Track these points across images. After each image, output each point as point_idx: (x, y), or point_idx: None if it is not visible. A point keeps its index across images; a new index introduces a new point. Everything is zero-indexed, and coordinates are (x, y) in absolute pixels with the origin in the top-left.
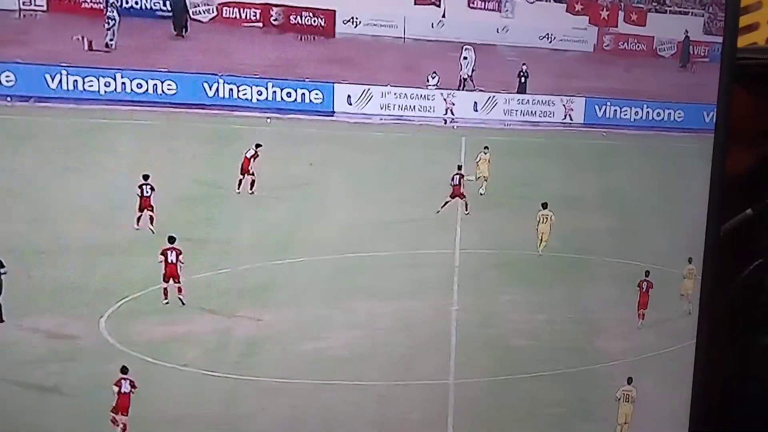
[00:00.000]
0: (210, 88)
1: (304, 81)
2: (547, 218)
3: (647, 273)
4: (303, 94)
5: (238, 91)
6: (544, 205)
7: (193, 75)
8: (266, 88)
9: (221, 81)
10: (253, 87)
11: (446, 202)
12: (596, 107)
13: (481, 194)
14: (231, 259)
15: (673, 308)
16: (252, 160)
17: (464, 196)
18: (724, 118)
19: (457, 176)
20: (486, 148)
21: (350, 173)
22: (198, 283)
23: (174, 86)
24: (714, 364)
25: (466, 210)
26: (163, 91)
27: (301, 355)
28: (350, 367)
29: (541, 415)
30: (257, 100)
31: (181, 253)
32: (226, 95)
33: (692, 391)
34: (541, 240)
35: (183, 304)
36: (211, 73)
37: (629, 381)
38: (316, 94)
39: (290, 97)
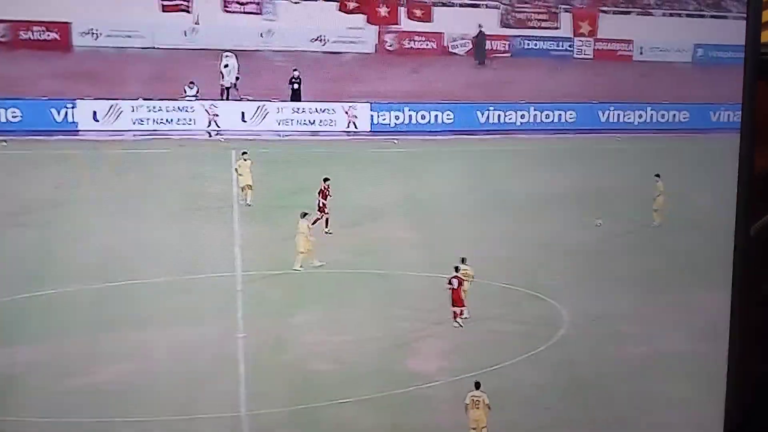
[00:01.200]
0: None
1: (43, 99)
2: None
3: (457, 269)
4: (43, 111)
5: None
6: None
7: None
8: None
9: None
10: None
11: (316, 219)
12: (382, 113)
13: (248, 205)
14: None
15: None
16: None
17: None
18: (750, 115)
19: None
20: (244, 153)
21: (104, 193)
22: None
23: None
24: (747, 364)
25: (326, 227)
26: None
27: (68, 392)
28: (124, 402)
29: None
30: None
31: None
32: None
33: (726, 393)
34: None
35: None
36: None
37: (477, 386)
38: (56, 111)
39: (25, 116)
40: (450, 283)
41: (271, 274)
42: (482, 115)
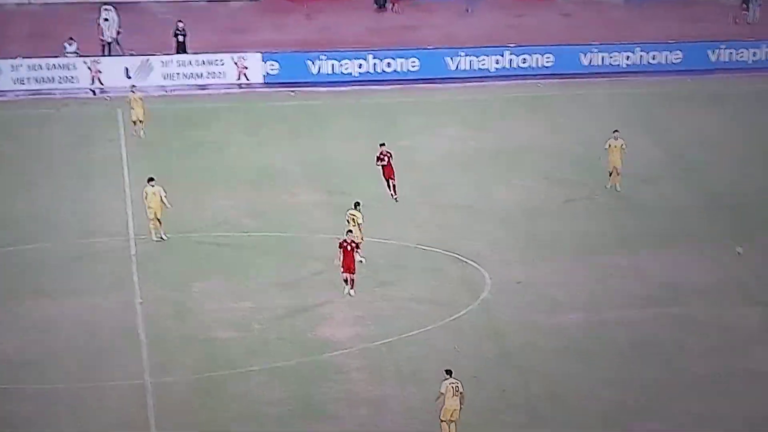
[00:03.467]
0: None
1: None
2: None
3: (349, 231)
4: None
5: None
6: None
7: None
8: None
9: None
10: None
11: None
12: (274, 63)
13: (140, 138)
14: None
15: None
16: None
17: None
18: None
19: None
20: (134, 85)
21: None
22: None
23: None
24: None
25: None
26: None
27: None
28: (29, 372)
29: (262, 414)
30: None
31: None
32: None
33: None
34: None
35: None
36: None
37: (449, 373)
38: None
39: None
40: (341, 247)
41: (168, 238)
42: (389, 63)
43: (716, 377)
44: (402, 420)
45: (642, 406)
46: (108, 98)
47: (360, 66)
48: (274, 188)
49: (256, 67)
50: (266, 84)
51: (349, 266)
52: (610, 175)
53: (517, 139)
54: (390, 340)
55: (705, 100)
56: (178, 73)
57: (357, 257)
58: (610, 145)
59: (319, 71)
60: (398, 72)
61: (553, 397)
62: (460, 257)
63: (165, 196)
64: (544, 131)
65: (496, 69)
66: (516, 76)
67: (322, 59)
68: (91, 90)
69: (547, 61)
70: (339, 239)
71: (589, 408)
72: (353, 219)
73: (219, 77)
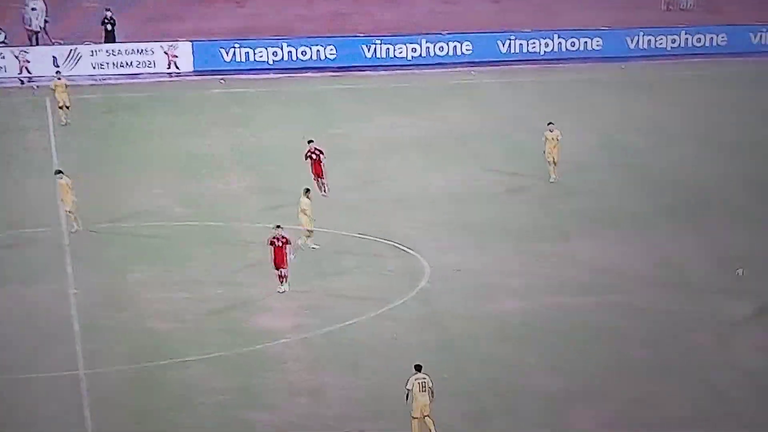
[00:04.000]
0: None
1: None
2: None
3: (278, 226)
4: None
5: None
6: None
7: None
8: None
9: None
10: None
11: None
12: (205, 52)
13: (64, 125)
14: None
15: None
16: None
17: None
18: None
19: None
20: (58, 72)
21: None
22: None
23: None
24: None
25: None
26: None
27: None
28: None
29: (200, 404)
30: None
31: None
32: None
33: None
34: None
35: None
36: None
37: (418, 368)
38: None
39: None
40: (272, 243)
41: (101, 228)
42: (323, 50)
43: (655, 362)
44: (341, 409)
45: (582, 391)
46: (36, 87)
47: (290, 54)
48: (207, 176)
49: (186, 56)
50: (196, 72)
51: (280, 263)
52: (549, 165)
53: (451, 127)
54: (329, 329)
55: (635, 85)
56: (107, 63)
57: (289, 253)
58: (546, 138)
59: (249, 59)
60: (325, 60)
61: (493, 384)
62: (398, 245)
63: (71, 189)
64: (477, 118)
65: (413, 57)
66: (442, 64)
67: (252, 47)
68: (19, 79)
69: (466, 49)
70: (272, 231)
71: (529, 394)
72: (303, 207)
73: (149, 66)
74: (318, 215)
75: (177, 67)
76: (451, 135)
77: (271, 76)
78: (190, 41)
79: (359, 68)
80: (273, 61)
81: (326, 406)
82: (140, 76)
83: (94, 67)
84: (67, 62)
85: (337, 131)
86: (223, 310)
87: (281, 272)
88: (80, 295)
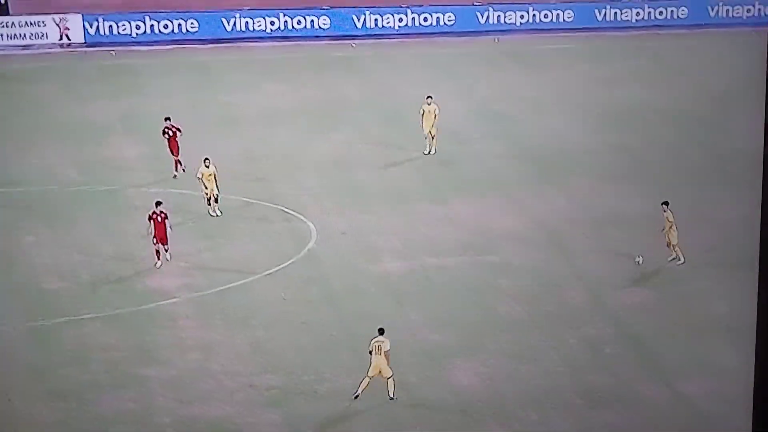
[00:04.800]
0: None
1: None
2: None
3: (158, 203)
4: None
5: None
6: None
7: None
8: None
9: None
10: None
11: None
12: (96, 24)
13: None
14: None
15: None
16: None
17: None
18: None
19: None
20: None
21: None
22: None
23: None
24: None
25: None
26: None
27: None
28: None
29: (93, 360)
30: None
31: None
32: None
33: (754, 393)
34: None
35: None
36: None
37: (380, 332)
38: None
39: None
40: (152, 219)
41: None
42: (210, 23)
43: (530, 318)
44: (231, 364)
45: (461, 346)
46: None
47: (179, 26)
48: (98, 144)
49: (78, 28)
50: (87, 44)
51: (161, 237)
52: (426, 139)
53: (332, 96)
54: (218, 289)
55: (511, 59)
56: (1, 34)
57: (168, 227)
58: (424, 111)
59: (139, 31)
60: (214, 31)
61: None
62: (285, 209)
63: None
64: (357, 89)
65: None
66: (323, 37)
67: (143, 19)
68: None
69: (323, 23)
70: (161, 192)
71: (411, 348)
72: (205, 175)
73: (41, 38)
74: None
75: (69, 39)
76: (333, 104)
77: (162, 48)
78: (81, 14)
79: (248, 39)
80: (161, 32)
81: (216, 361)
82: (32, 47)
83: None
84: None
85: (225, 99)
86: (115, 271)
87: (162, 248)
88: None
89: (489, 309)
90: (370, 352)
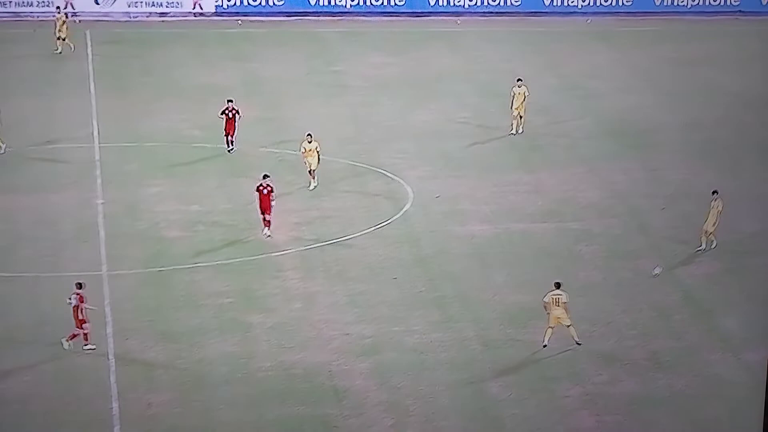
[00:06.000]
0: None
1: None
2: None
3: (265, 176)
4: None
5: None
6: None
7: None
8: None
9: None
10: None
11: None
12: None
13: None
14: None
15: None
16: None
17: None
18: None
19: None
20: (58, 8)
21: None
22: None
23: None
24: None
25: None
26: None
27: None
28: None
29: (204, 305)
30: None
31: None
32: None
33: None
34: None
35: None
36: None
37: (557, 285)
38: None
39: None
40: (258, 191)
41: (127, 146)
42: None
43: (606, 283)
44: (328, 314)
45: (540, 307)
46: (78, 21)
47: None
48: (218, 104)
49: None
50: (217, 14)
51: (265, 208)
52: (514, 119)
53: (433, 68)
54: (322, 244)
55: (597, 38)
56: (141, 2)
57: (273, 201)
58: (514, 93)
59: (262, 3)
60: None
61: (462, 298)
62: (386, 173)
63: None
64: (457, 62)
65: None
66: (430, 13)
67: None
68: (64, 14)
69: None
70: (276, 152)
71: (494, 308)
72: (306, 150)
73: (176, 6)
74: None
75: (201, 8)
76: (433, 76)
77: (283, 19)
78: None
79: (358, 14)
80: (278, 3)
81: (316, 311)
82: (168, 15)
83: (129, 6)
84: (105, 0)
85: (337, 68)
86: (229, 223)
87: (266, 217)
88: (106, 205)
89: (568, 273)
90: (545, 306)
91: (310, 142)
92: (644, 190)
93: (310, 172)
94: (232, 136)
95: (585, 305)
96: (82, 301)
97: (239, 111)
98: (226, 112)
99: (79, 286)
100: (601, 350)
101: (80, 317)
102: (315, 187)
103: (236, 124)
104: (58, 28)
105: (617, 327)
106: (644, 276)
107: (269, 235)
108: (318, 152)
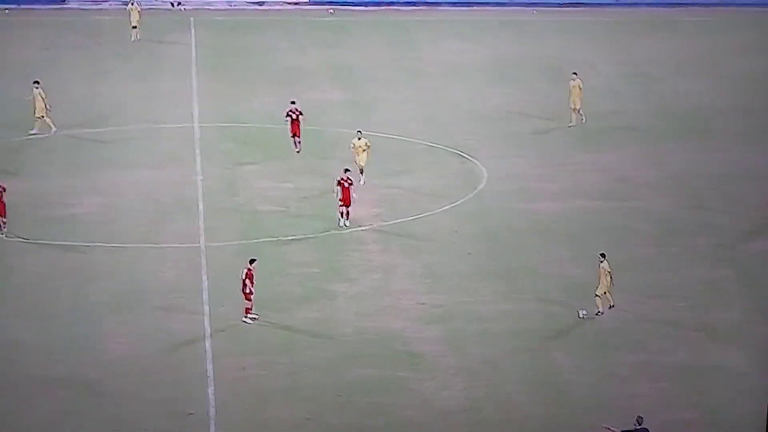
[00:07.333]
0: None
1: None
2: None
3: (346, 170)
4: None
5: None
6: None
7: None
8: None
9: None
10: None
11: None
12: None
13: (137, 40)
14: None
15: None
16: None
17: None
18: None
19: None
20: None
21: (82, 56)
22: None
23: None
24: None
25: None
26: None
27: (52, 220)
28: (100, 231)
29: (289, 275)
30: None
31: None
32: None
33: None
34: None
35: None
36: None
37: (603, 256)
38: None
39: None
40: (340, 184)
41: (224, 126)
42: None
43: (661, 258)
44: (405, 284)
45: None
46: (183, 9)
47: None
48: (307, 87)
49: None
50: (311, 3)
51: (346, 200)
52: (573, 112)
53: (505, 55)
54: (400, 221)
55: (661, 27)
56: None
57: (353, 192)
58: (571, 87)
59: None
60: None
61: (527, 270)
62: (462, 154)
63: (45, 98)
64: (527, 49)
65: None
66: (503, 4)
67: None
68: (170, 3)
69: None
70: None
71: (557, 280)
72: (356, 146)
73: None
74: (393, 124)
75: None
76: (506, 61)
77: (370, 8)
78: None
79: (438, 4)
80: None
81: (394, 281)
82: (266, 3)
83: None
84: None
85: (417, 54)
86: (318, 200)
87: (345, 210)
88: (205, 180)
89: (626, 249)
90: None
91: (359, 139)
92: (700, 171)
93: (360, 170)
94: (298, 137)
95: (640, 279)
96: (249, 277)
97: (302, 112)
98: (290, 114)
99: (251, 261)
100: (655, 322)
101: (246, 291)
102: (364, 182)
103: (300, 124)
104: (131, 17)
105: (671, 301)
106: (698, 252)
107: (346, 225)
108: (369, 148)
